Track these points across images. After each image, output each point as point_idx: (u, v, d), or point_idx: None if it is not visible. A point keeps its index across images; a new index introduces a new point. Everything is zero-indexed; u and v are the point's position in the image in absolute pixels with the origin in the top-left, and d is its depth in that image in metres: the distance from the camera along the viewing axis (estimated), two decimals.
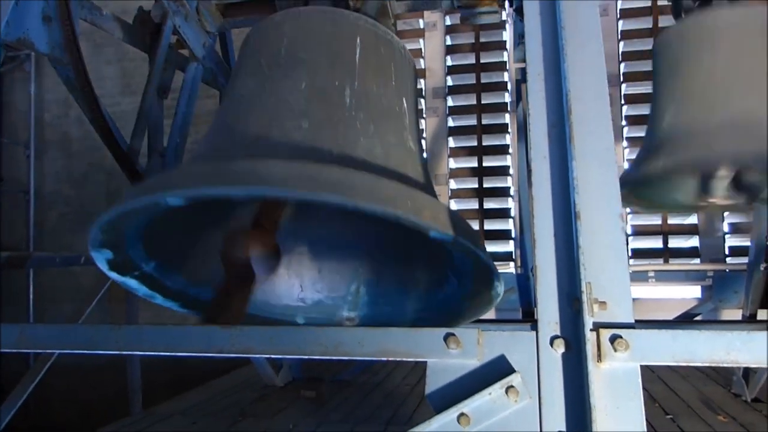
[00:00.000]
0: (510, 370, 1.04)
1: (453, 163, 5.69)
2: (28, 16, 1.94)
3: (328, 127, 1.52)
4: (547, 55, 1.23)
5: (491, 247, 5.48)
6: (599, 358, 0.99)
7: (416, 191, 1.28)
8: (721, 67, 2.16)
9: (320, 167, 1.25)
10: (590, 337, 0.99)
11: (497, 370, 1.04)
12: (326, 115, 1.55)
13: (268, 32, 1.82)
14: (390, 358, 1.10)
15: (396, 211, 1.10)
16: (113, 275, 1.54)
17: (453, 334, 1.06)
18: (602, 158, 1.11)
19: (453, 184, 5.66)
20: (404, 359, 1.10)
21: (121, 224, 1.39)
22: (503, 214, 5.50)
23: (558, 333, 1.03)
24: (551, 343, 1.03)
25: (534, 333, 1.04)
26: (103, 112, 2.25)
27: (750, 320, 3.43)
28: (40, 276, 7.03)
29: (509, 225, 5.44)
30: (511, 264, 5.26)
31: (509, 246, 5.42)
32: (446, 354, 1.07)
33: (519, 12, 2.32)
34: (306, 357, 1.15)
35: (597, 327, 1.00)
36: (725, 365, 0.96)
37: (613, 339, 0.99)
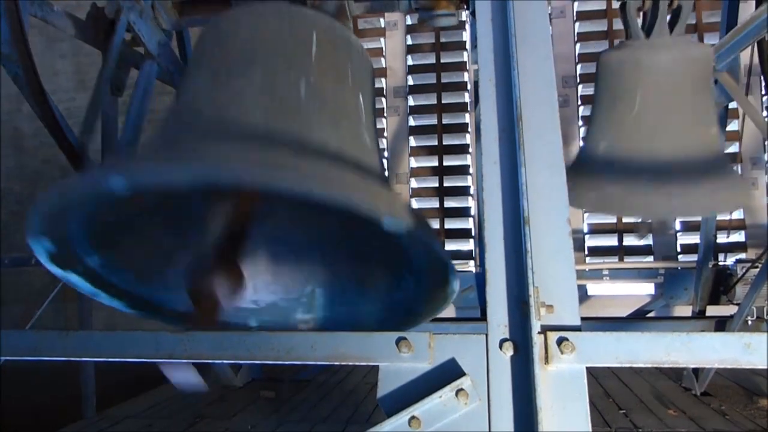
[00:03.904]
0: (460, 373, 1.05)
1: (414, 162, 5.72)
2: None
3: (282, 121, 1.48)
4: (499, 61, 1.25)
5: (451, 246, 5.53)
6: (546, 360, 1.02)
7: (371, 181, 1.27)
8: (651, 104, 2.37)
9: (274, 153, 1.22)
10: (538, 339, 1.01)
11: (448, 373, 1.06)
12: (280, 110, 1.51)
13: (223, 28, 1.78)
14: (342, 363, 1.10)
15: (350, 197, 1.08)
16: (54, 269, 1.45)
17: (405, 338, 1.07)
18: (551, 164, 1.13)
19: (414, 183, 5.69)
20: (357, 363, 1.10)
21: (63, 214, 1.31)
22: (463, 213, 5.56)
23: (507, 336, 1.05)
24: (500, 346, 1.05)
25: (484, 336, 1.06)
26: (52, 108, 2.18)
27: (699, 316, 3.56)
28: None
29: (469, 224, 5.50)
30: (471, 263, 5.33)
31: (469, 245, 5.48)
32: (398, 358, 1.08)
33: (475, 15, 2.35)
34: (258, 362, 1.14)
35: (544, 330, 1.02)
36: (666, 366, 1.00)
37: (560, 341, 1.01)
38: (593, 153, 2.48)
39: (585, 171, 2.44)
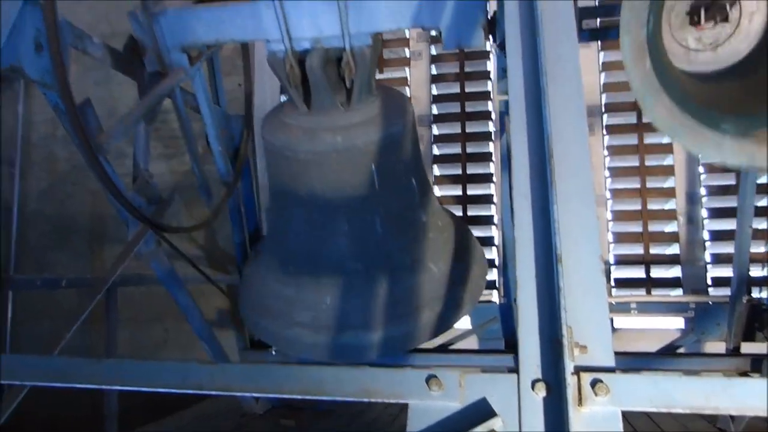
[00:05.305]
0: (491, 414, 1.03)
1: (438, 191, 5.72)
2: (21, 44, 1.95)
3: (375, 269, 1.99)
4: (529, 97, 1.26)
5: None
6: (580, 402, 0.99)
7: None
8: None
9: None
10: (571, 381, 0.99)
11: (478, 413, 1.04)
12: (370, 258, 2.02)
13: (297, 170, 2.20)
14: (371, 399, 1.09)
15: None
16: None
17: (435, 376, 1.06)
18: (582, 200, 1.13)
19: None
20: (386, 401, 1.09)
21: None
22: (487, 242, 5.51)
23: (539, 376, 1.03)
24: (533, 387, 1.03)
25: (515, 376, 1.04)
26: (89, 139, 2.24)
27: (734, 353, 3.45)
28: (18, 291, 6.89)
29: (493, 254, 5.45)
30: (494, 293, 5.27)
31: (492, 274, 5.42)
32: (428, 396, 1.06)
33: (502, 47, 2.37)
34: (286, 396, 1.13)
35: (578, 371, 1.00)
36: (706, 412, 0.97)
37: (594, 383, 0.99)
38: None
39: None
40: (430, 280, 2.08)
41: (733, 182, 4.75)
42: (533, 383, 1.02)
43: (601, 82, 5.58)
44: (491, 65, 5.72)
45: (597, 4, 5.59)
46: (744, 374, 3.27)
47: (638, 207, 5.32)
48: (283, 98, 5.09)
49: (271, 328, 2.19)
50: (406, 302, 1.96)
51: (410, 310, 1.97)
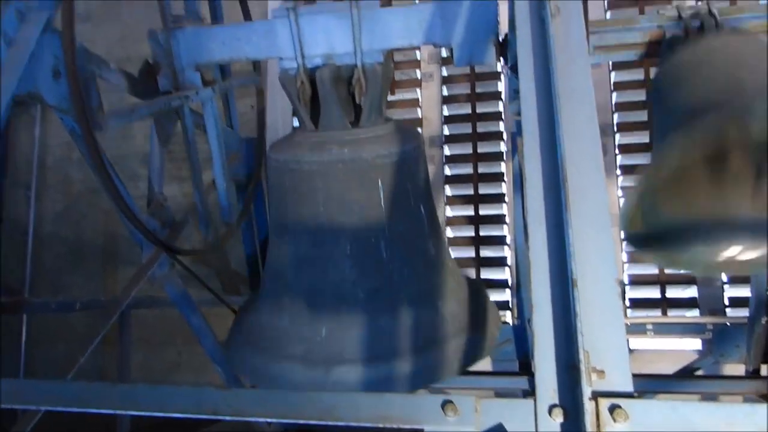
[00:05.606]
0: None
1: (450, 212, 5.72)
2: (39, 72, 1.99)
3: (377, 299, 1.97)
4: (542, 121, 1.26)
5: None
6: (598, 427, 0.98)
7: None
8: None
9: None
10: (589, 406, 0.98)
11: None
12: (374, 281, 1.96)
13: (301, 182, 2.16)
14: (386, 425, 1.08)
15: None
16: None
17: (451, 402, 1.05)
18: (597, 224, 1.12)
19: (450, 233, 5.66)
20: (401, 426, 1.08)
21: None
22: (499, 262, 5.49)
23: (556, 402, 1.02)
24: (550, 412, 1.01)
25: (532, 401, 1.03)
26: (105, 162, 2.27)
27: (753, 376, 3.39)
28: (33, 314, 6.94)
29: (506, 274, 5.42)
30: (508, 313, 5.22)
31: (505, 295, 5.38)
32: (444, 421, 1.05)
33: (514, 70, 2.38)
34: (301, 422, 1.13)
35: (596, 396, 0.99)
36: None
37: (612, 409, 0.98)
38: None
39: None
40: (438, 319, 2.01)
41: None
42: (550, 408, 1.01)
43: (613, 102, 5.59)
44: (502, 86, 5.74)
45: (607, 17, 5.61)
46: (764, 397, 3.20)
47: None
48: (296, 122, 5.14)
49: (259, 363, 2.15)
50: (413, 338, 1.87)
51: (417, 348, 1.88)
